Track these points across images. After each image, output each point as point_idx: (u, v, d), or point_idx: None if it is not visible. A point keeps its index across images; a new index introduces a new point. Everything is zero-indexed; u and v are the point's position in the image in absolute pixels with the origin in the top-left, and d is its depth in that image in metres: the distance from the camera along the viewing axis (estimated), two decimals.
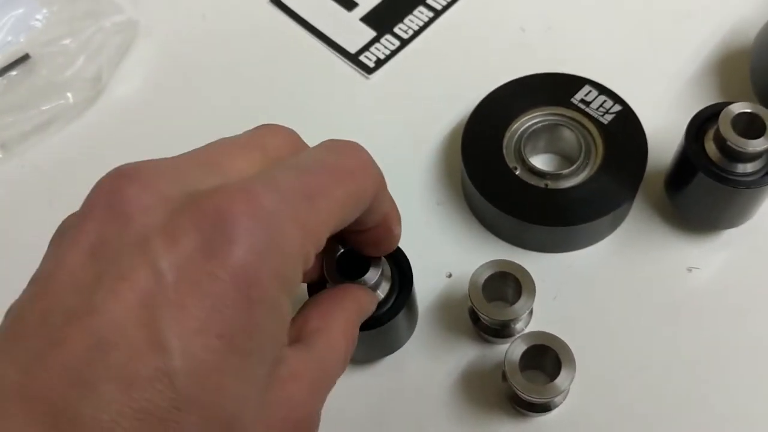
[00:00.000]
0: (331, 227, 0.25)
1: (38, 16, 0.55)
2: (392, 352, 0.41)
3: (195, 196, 0.22)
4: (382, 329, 0.36)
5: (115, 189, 0.22)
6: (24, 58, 0.53)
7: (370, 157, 0.27)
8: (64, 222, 0.24)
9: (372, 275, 0.33)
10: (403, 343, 0.41)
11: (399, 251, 0.36)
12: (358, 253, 0.32)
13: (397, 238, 0.32)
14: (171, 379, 0.20)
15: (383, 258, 0.33)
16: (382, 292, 0.35)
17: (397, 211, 0.31)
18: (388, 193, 0.29)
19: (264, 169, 0.25)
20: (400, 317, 0.36)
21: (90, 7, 0.55)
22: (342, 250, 0.33)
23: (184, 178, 0.23)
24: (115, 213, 0.22)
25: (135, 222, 0.22)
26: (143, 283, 0.21)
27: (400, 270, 0.37)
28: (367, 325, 0.34)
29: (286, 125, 0.28)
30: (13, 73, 0.52)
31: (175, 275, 0.21)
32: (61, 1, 0.55)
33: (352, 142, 0.27)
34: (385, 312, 0.36)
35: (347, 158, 0.26)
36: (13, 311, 0.22)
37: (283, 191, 0.23)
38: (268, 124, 0.27)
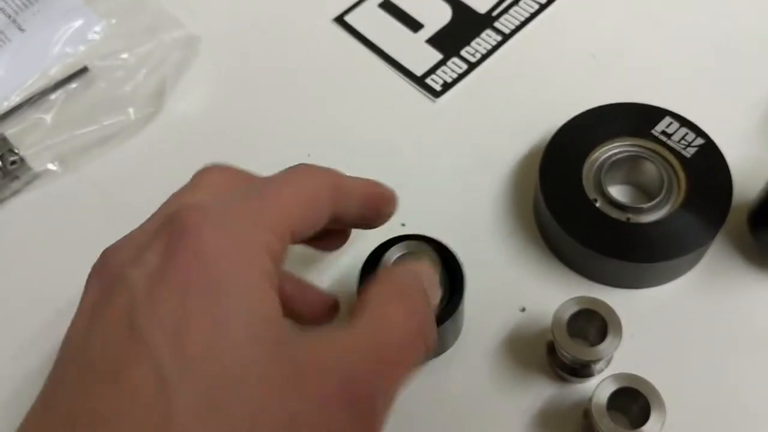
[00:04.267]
0: (290, 223, 0.27)
1: (97, 29, 0.54)
2: (433, 357, 0.41)
3: (153, 230, 0.26)
4: None
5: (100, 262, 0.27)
6: (83, 71, 0.52)
7: (314, 169, 0.30)
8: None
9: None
10: (446, 350, 0.41)
11: (453, 258, 0.37)
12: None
13: (392, 206, 0.34)
14: (154, 356, 0.22)
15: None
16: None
17: (379, 187, 0.33)
18: (355, 183, 0.32)
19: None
20: (447, 324, 0.37)
21: (149, 22, 0.54)
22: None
23: (146, 226, 0.28)
24: (103, 275, 0.26)
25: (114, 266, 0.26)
26: (120, 297, 0.24)
27: (452, 278, 0.38)
28: None
29: (315, 163, 0.31)
30: (72, 85, 0.52)
31: (142, 279, 0.24)
32: (120, 15, 0.55)
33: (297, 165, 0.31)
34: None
35: (288, 171, 0.30)
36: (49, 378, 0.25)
37: (228, 198, 0.27)
38: (211, 165, 0.32)
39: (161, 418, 0.21)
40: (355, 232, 0.42)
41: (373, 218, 0.33)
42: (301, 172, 0.30)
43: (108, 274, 0.25)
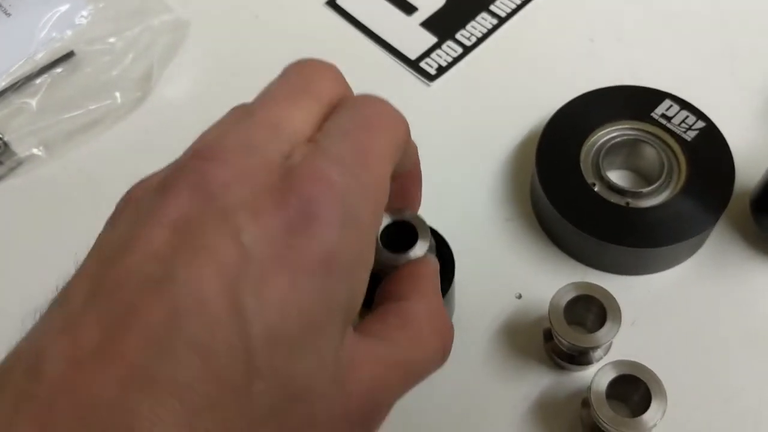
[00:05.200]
0: (387, 180, 0.26)
1: (84, 13, 0.53)
2: None
3: (272, 176, 0.23)
4: None
5: (197, 168, 0.23)
6: (68, 56, 0.51)
7: (392, 105, 0.28)
8: (134, 193, 0.25)
9: (421, 247, 0.31)
10: None
11: (442, 241, 0.36)
12: (402, 226, 0.31)
13: (420, 191, 0.33)
14: (247, 348, 0.21)
15: (429, 230, 0.32)
16: None
17: (419, 165, 0.32)
18: (413, 140, 0.30)
19: (321, 137, 0.25)
20: None
21: (138, 5, 0.53)
22: (386, 224, 0.31)
23: (256, 148, 0.24)
24: (198, 191, 0.22)
25: (218, 199, 0.22)
26: (225, 254, 0.21)
27: (443, 264, 0.35)
28: None
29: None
30: (58, 70, 0.51)
31: (257, 249, 0.21)
32: None
33: (373, 95, 0.28)
34: None
35: (375, 110, 0.27)
36: (83, 276, 0.22)
37: (345, 164, 0.24)
38: (309, 62, 0.27)
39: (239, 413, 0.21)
40: None
41: (405, 190, 0.32)
42: (388, 114, 0.27)
43: (210, 200, 0.22)
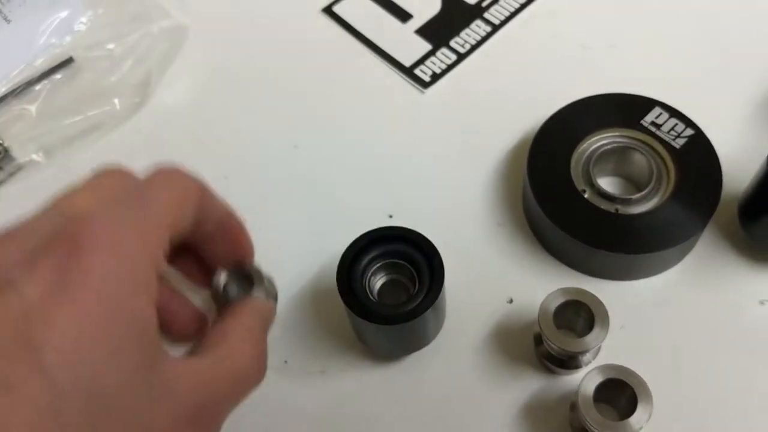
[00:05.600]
0: (169, 226, 0.28)
1: (83, 19, 0.54)
2: (418, 349, 0.41)
3: (41, 233, 0.26)
4: (406, 326, 0.36)
5: None
6: (68, 62, 0.52)
7: (185, 173, 0.31)
8: None
9: (258, 291, 0.33)
10: (430, 342, 0.41)
11: (430, 246, 0.37)
12: (241, 273, 0.34)
13: (247, 240, 0.34)
14: (48, 374, 0.22)
15: (263, 274, 0.34)
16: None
17: (237, 218, 0.33)
18: (218, 200, 0.32)
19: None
20: (428, 315, 0.37)
21: (137, 11, 0.54)
22: (224, 279, 0.33)
23: (31, 226, 0.27)
24: None
25: None
26: (11, 304, 0.23)
27: (431, 269, 0.37)
28: (393, 320, 0.36)
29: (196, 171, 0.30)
30: (57, 76, 0.51)
31: (38, 293, 0.24)
32: (107, 4, 0.54)
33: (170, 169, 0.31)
34: (412, 308, 0.36)
35: (166, 175, 0.30)
36: None
37: (116, 207, 0.27)
38: (105, 168, 0.30)
39: (55, 426, 0.23)
40: (337, 221, 0.42)
41: (228, 242, 0.34)
42: (174, 174, 0.30)
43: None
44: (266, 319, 0.34)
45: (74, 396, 0.23)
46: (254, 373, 0.31)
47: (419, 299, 0.36)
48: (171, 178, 0.30)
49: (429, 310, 0.36)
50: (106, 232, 0.26)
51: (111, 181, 0.30)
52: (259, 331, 0.32)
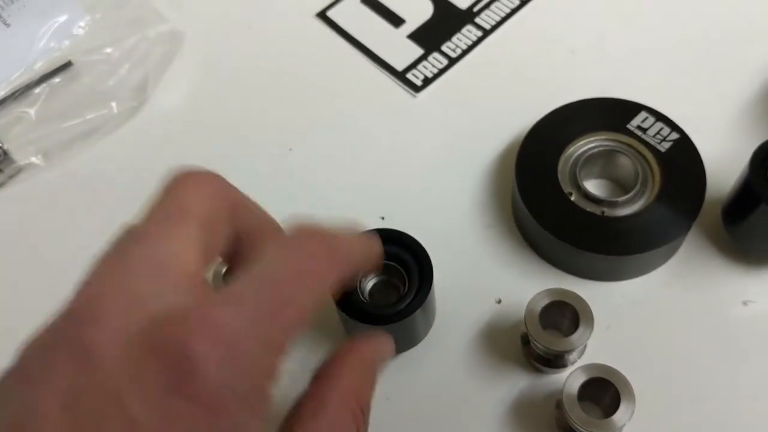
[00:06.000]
0: (297, 332, 0.24)
1: (81, 24, 0.55)
2: (408, 348, 0.42)
3: (154, 330, 0.22)
4: (396, 326, 0.37)
5: (74, 335, 0.22)
6: (66, 65, 0.53)
7: (328, 242, 0.27)
8: (21, 358, 0.23)
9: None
10: (419, 342, 0.42)
11: (420, 247, 0.38)
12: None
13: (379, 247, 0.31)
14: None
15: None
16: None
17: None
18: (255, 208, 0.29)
19: (222, 287, 0.24)
20: (418, 315, 0.38)
21: (134, 16, 0.55)
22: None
23: (137, 298, 0.23)
24: (80, 361, 0.22)
25: (100, 370, 0.22)
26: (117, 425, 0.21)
27: (421, 267, 0.38)
28: (384, 321, 0.37)
29: (206, 172, 0.27)
30: (56, 80, 0.52)
31: (146, 421, 0.21)
32: (105, 9, 0.55)
33: (310, 229, 0.27)
34: (402, 309, 0.37)
35: (309, 255, 0.26)
36: None
37: (243, 310, 0.23)
38: (182, 178, 0.26)
39: None
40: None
41: None
42: (319, 261, 0.26)
43: (94, 371, 0.22)
44: (380, 360, 0.30)
45: None
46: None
47: (409, 300, 0.38)
48: (318, 267, 0.26)
49: (419, 311, 0.37)
50: (224, 350, 0.22)
51: (208, 205, 0.26)
52: (363, 389, 0.28)
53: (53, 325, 0.23)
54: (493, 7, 0.54)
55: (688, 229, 0.42)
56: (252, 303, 0.23)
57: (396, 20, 0.54)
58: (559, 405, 0.39)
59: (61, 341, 0.22)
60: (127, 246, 0.24)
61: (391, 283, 0.40)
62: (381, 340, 0.30)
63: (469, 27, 0.54)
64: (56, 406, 0.21)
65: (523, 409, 0.40)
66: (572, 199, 0.43)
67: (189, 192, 0.26)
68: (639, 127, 0.44)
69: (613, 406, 0.37)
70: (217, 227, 0.26)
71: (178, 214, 0.25)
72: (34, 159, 0.50)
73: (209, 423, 0.21)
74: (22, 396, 0.22)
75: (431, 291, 0.38)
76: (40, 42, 0.54)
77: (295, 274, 0.25)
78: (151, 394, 0.21)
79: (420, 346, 0.42)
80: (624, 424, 0.36)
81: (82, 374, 0.22)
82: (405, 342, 0.41)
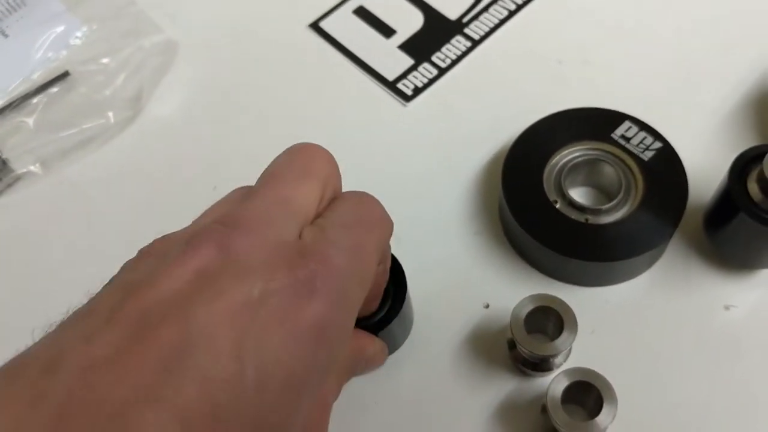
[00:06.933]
0: (374, 273, 0.30)
1: (78, 34, 0.56)
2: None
3: (288, 248, 0.26)
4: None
5: (223, 232, 0.26)
6: (64, 75, 0.53)
7: (383, 208, 0.32)
8: (155, 246, 0.28)
9: None
10: (398, 348, 0.43)
11: (394, 261, 0.39)
12: None
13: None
14: (241, 389, 0.23)
15: None
16: None
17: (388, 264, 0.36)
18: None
19: (327, 226, 0.29)
20: (394, 325, 0.39)
21: (130, 27, 0.56)
22: None
23: (274, 224, 0.27)
24: (222, 250, 0.25)
25: (239, 260, 0.25)
26: (237, 308, 0.24)
27: (395, 279, 0.39)
28: (365, 329, 0.38)
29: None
30: (54, 90, 0.53)
31: (264, 306, 0.24)
32: (101, 20, 0.56)
33: (369, 194, 0.32)
34: (378, 320, 0.38)
35: (372, 211, 0.32)
36: (105, 300, 0.25)
37: (346, 254, 0.28)
38: (310, 146, 0.31)
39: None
40: None
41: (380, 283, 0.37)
42: (380, 218, 0.32)
43: (231, 258, 0.25)
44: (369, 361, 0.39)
45: (247, 417, 0.24)
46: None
47: (384, 310, 0.38)
48: (379, 221, 0.32)
49: (395, 320, 0.38)
50: (337, 282, 0.27)
51: (328, 171, 0.31)
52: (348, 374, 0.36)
53: (198, 226, 0.28)
54: (482, 18, 0.55)
55: (670, 236, 0.43)
56: (347, 247, 0.28)
57: (387, 31, 0.55)
58: (544, 409, 0.40)
59: (207, 235, 0.26)
60: (251, 188, 0.30)
61: None
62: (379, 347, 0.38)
63: (459, 38, 0.55)
64: (186, 272, 0.25)
65: (509, 411, 0.41)
66: (557, 207, 0.44)
67: (315, 157, 0.31)
68: (623, 137, 0.45)
69: (596, 409, 0.38)
70: (329, 188, 0.30)
71: (307, 170, 0.30)
72: (32, 167, 0.51)
73: (310, 336, 0.25)
74: (152, 267, 0.26)
75: (407, 300, 0.39)
76: (38, 52, 0.55)
77: (365, 223, 0.31)
78: (275, 289, 0.25)
79: (409, 349, 0.43)
80: (607, 426, 0.37)
81: (220, 258, 0.25)
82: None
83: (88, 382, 0.22)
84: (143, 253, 0.28)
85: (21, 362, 0.24)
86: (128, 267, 0.27)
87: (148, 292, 0.24)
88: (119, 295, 0.25)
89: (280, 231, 0.27)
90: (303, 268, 0.26)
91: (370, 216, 0.31)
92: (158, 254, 0.27)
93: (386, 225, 0.32)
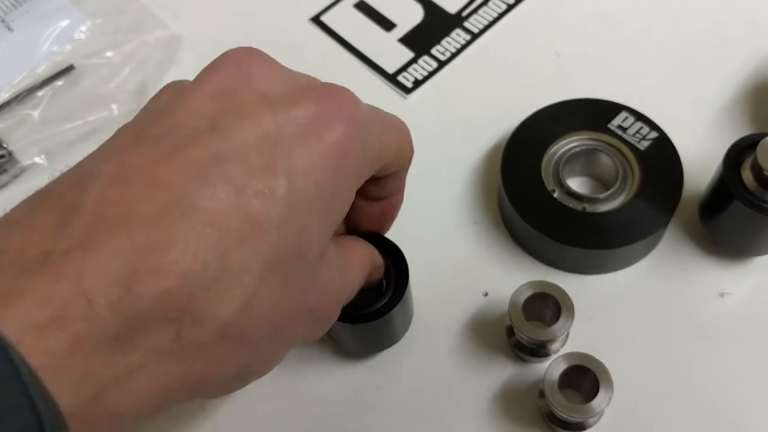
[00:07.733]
0: (385, 158, 0.31)
1: (83, 28, 0.56)
2: (388, 346, 0.43)
3: (311, 81, 0.29)
4: (377, 323, 0.38)
5: (244, 57, 0.28)
6: (69, 69, 0.54)
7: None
8: (173, 83, 0.29)
9: None
10: (399, 339, 0.43)
11: (397, 249, 0.39)
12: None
13: (392, 220, 0.38)
14: (271, 199, 0.24)
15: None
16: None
17: (402, 197, 0.37)
18: (405, 172, 0.35)
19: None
20: (396, 312, 0.39)
21: (134, 21, 0.56)
22: None
23: (292, 74, 0.29)
24: (241, 72, 0.27)
25: (259, 83, 0.26)
26: (265, 125, 0.25)
27: (397, 267, 0.39)
28: (365, 318, 0.38)
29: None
30: (59, 83, 0.54)
31: (291, 128, 0.26)
32: (106, 14, 0.57)
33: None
34: (380, 307, 0.38)
35: (399, 119, 0.34)
36: (130, 127, 0.26)
37: (367, 106, 0.30)
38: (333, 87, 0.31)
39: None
40: None
41: (385, 213, 0.37)
42: (403, 125, 0.34)
43: (252, 82, 0.27)
44: (377, 262, 0.37)
45: (279, 229, 0.25)
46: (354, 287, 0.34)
47: (386, 298, 0.39)
48: (403, 126, 0.35)
49: (397, 308, 0.38)
50: (359, 120, 0.28)
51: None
52: (369, 263, 0.35)
53: (223, 54, 0.29)
54: (481, 11, 0.56)
55: (666, 224, 0.44)
56: (372, 113, 0.31)
57: (387, 24, 0.56)
58: (542, 393, 0.41)
59: (225, 60, 0.28)
60: None
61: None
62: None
63: (458, 31, 0.55)
64: (208, 96, 0.26)
65: (509, 396, 0.42)
66: (555, 196, 0.45)
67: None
68: (620, 127, 0.46)
69: (592, 393, 0.38)
70: None
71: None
72: (37, 159, 0.51)
73: (334, 160, 0.26)
74: (174, 94, 0.27)
75: (408, 288, 0.39)
76: (43, 46, 0.55)
77: (390, 117, 0.34)
78: (299, 114, 0.26)
79: (410, 336, 0.44)
80: (603, 409, 0.38)
81: (239, 81, 0.26)
82: (385, 340, 0.43)
83: (117, 195, 0.22)
84: (162, 90, 0.29)
85: (51, 186, 0.24)
86: (149, 103, 0.28)
87: (171, 115, 0.25)
88: (141, 121, 0.26)
89: (299, 73, 0.29)
90: (327, 100, 0.27)
91: (391, 116, 0.34)
92: (176, 87, 0.28)
93: (403, 128, 0.34)
